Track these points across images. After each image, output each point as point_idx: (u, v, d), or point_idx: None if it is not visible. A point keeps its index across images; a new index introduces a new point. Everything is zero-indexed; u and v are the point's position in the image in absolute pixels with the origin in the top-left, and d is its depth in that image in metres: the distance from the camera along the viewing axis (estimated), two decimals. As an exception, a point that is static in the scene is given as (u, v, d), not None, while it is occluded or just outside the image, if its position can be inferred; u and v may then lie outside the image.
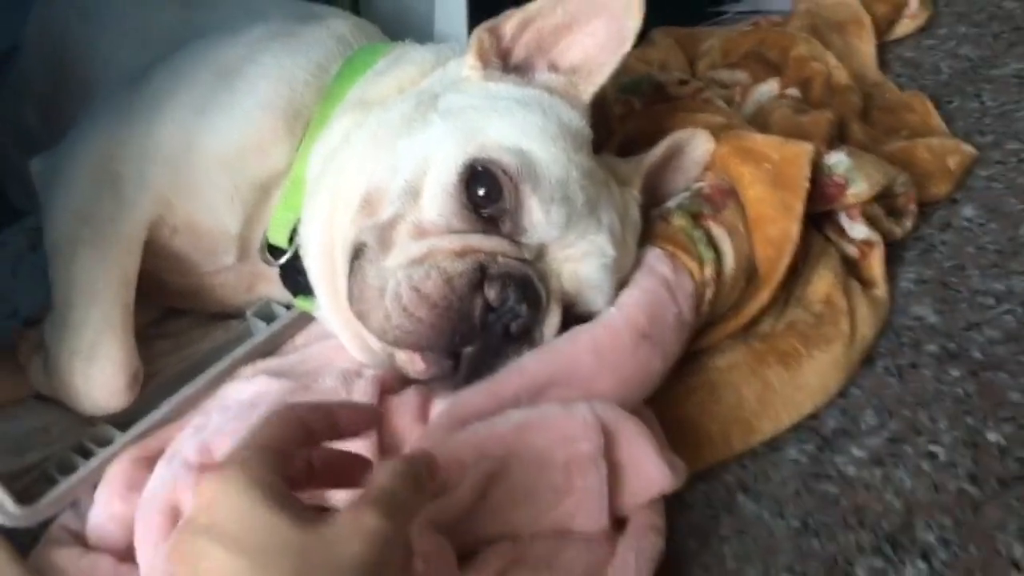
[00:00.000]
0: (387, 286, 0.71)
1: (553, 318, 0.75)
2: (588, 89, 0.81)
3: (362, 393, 0.75)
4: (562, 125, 0.78)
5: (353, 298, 0.73)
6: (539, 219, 0.72)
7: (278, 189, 0.85)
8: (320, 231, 0.79)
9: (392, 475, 0.54)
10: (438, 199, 0.73)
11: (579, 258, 0.75)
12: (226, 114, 0.81)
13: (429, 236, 0.72)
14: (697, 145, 0.91)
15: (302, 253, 0.82)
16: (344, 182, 0.78)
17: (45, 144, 0.89)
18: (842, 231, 0.96)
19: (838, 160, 0.92)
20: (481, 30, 0.81)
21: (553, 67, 0.82)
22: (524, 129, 0.75)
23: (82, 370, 0.80)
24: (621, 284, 0.79)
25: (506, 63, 0.82)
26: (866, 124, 1.13)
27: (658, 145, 0.89)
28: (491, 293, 0.70)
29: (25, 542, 0.75)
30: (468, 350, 0.72)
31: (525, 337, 0.74)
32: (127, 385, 0.81)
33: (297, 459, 0.56)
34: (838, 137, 1.03)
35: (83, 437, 0.81)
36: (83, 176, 0.81)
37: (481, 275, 0.70)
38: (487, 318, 0.71)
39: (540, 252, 0.74)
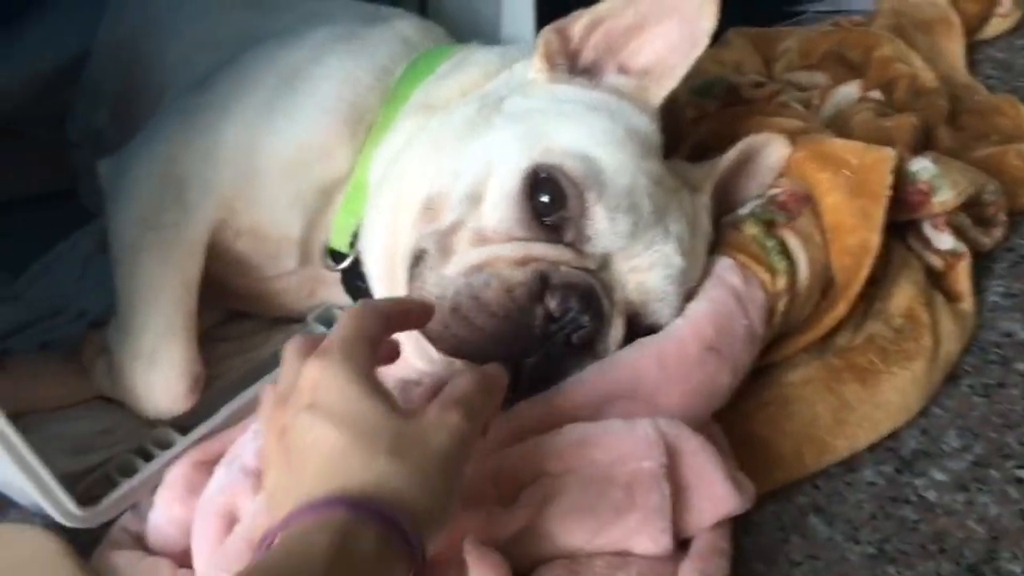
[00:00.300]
0: (447, 293, 0.69)
1: (616, 329, 0.72)
2: (659, 92, 0.79)
3: (419, 399, 0.73)
4: (630, 130, 0.75)
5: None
6: (604, 228, 0.70)
7: (340, 194, 0.84)
8: (381, 237, 0.78)
9: (471, 384, 0.60)
10: (500, 206, 0.71)
11: (645, 268, 0.73)
12: (289, 117, 0.81)
13: (490, 243, 0.71)
14: (772, 150, 0.88)
15: (363, 259, 0.82)
16: (405, 187, 0.77)
17: (115, 146, 0.90)
18: (926, 241, 0.92)
19: (923, 167, 0.88)
20: (548, 31, 0.79)
21: (623, 69, 0.80)
22: (591, 134, 0.73)
23: (144, 375, 0.81)
24: (690, 294, 0.77)
25: (574, 65, 0.80)
26: (954, 129, 1.08)
27: (731, 150, 0.86)
28: (552, 303, 0.68)
29: (86, 543, 0.75)
30: (528, 361, 0.70)
31: (587, 348, 0.71)
32: (188, 390, 0.81)
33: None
34: (923, 142, 0.98)
35: (145, 440, 0.81)
36: (148, 180, 0.82)
37: (543, 284, 0.68)
38: (548, 328, 0.69)
39: (604, 262, 0.72)
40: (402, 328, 0.65)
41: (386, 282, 0.78)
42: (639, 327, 0.74)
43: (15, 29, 1.17)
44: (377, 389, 0.56)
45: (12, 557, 0.71)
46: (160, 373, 0.81)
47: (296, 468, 0.54)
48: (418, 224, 0.74)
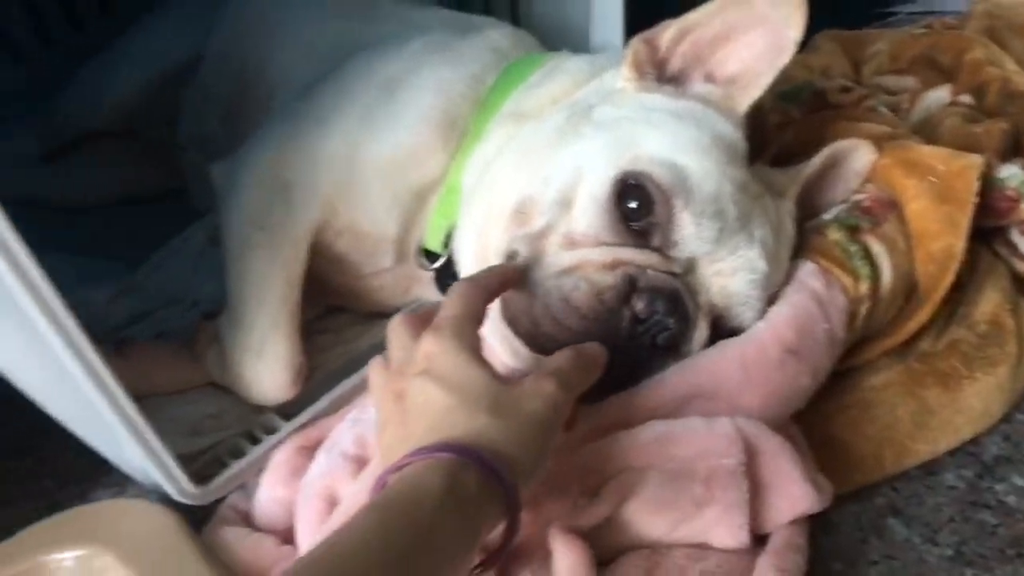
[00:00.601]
0: (537, 294, 0.72)
1: (700, 332, 0.75)
2: (744, 100, 0.80)
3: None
4: (716, 137, 0.77)
5: (503, 304, 0.75)
6: (690, 233, 0.72)
7: (434, 196, 0.88)
8: (474, 239, 0.82)
9: (568, 359, 0.66)
10: (589, 211, 0.74)
11: (729, 273, 0.75)
12: (388, 124, 0.85)
13: (580, 247, 0.73)
14: (858, 156, 0.89)
15: (456, 259, 0.85)
16: (497, 192, 0.80)
17: (226, 149, 0.95)
18: (1013, 247, 0.91)
19: (1011, 174, 0.88)
20: (637, 41, 0.81)
21: (709, 78, 0.82)
22: (677, 142, 0.75)
23: (251, 365, 0.86)
24: (772, 298, 0.78)
25: (661, 74, 0.82)
26: (1047, 134, 1.06)
27: (816, 156, 0.87)
28: (639, 305, 0.71)
29: (197, 519, 0.81)
30: (614, 360, 0.72)
31: (672, 350, 0.74)
32: (291, 380, 0.87)
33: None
34: (1013, 148, 0.97)
35: (252, 425, 0.87)
36: (257, 183, 0.87)
37: (631, 288, 0.71)
38: (635, 330, 0.71)
39: (690, 266, 0.74)
40: (501, 291, 0.71)
41: None
42: (722, 329, 0.76)
43: (132, 34, 1.24)
44: (481, 360, 0.63)
45: (132, 528, 0.77)
46: (266, 364, 0.86)
47: (410, 425, 0.61)
48: (510, 227, 0.77)
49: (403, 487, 0.56)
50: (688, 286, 0.73)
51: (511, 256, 0.76)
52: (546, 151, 0.79)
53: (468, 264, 0.83)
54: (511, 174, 0.80)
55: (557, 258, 0.73)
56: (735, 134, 0.79)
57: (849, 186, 0.89)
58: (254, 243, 0.86)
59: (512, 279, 0.72)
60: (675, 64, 0.82)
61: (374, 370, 0.68)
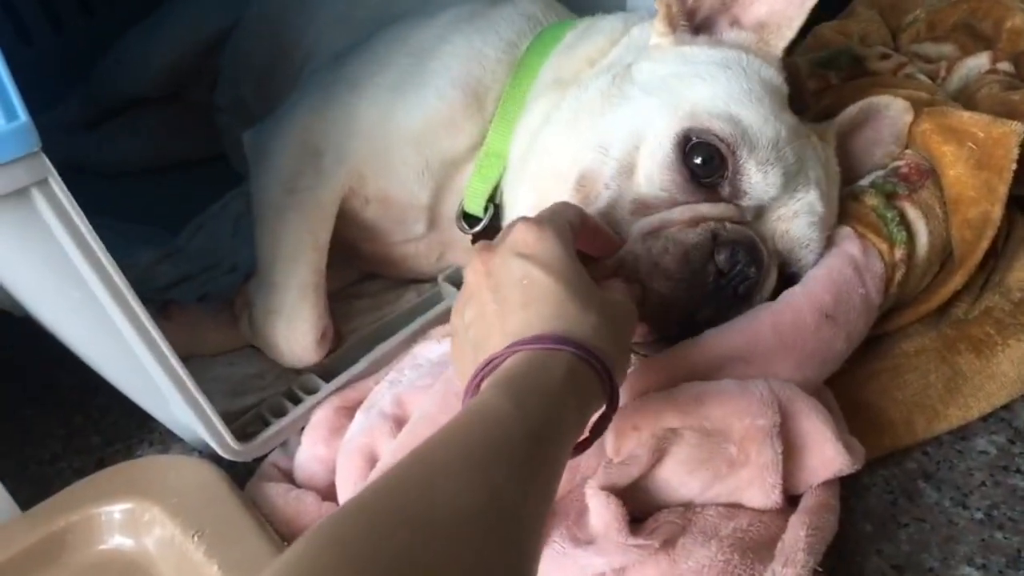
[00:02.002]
0: (625, 260, 0.72)
1: (772, 278, 0.76)
2: (779, 44, 0.80)
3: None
4: (764, 83, 0.78)
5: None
6: (758, 181, 0.73)
7: (468, 164, 0.88)
8: (533, 207, 0.80)
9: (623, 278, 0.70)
10: (657, 175, 0.74)
11: (791, 217, 0.76)
12: (419, 92, 0.86)
13: (653, 210, 0.74)
14: (895, 116, 0.89)
15: (504, 223, 0.86)
16: (546, 164, 0.80)
17: (259, 115, 0.97)
18: (1051, 215, 0.91)
19: (1050, 141, 0.87)
20: None
21: (736, 23, 0.82)
22: (731, 93, 0.75)
23: (277, 327, 0.88)
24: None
25: (691, 24, 0.82)
26: (1086, 101, 1.05)
27: (851, 107, 0.87)
28: (721, 259, 0.71)
29: (240, 475, 0.83)
30: (701, 314, 0.73)
31: (747, 299, 0.75)
32: (316, 342, 0.88)
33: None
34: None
35: (293, 384, 0.89)
36: (288, 150, 0.88)
37: (714, 242, 0.72)
38: (719, 283, 0.72)
39: (758, 213, 0.75)
40: (584, 245, 0.71)
41: None
42: (785, 275, 0.77)
43: (176, 1, 1.26)
44: (580, 263, 0.64)
45: (178, 482, 0.79)
46: (292, 326, 0.87)
47: (505, 302, 0.62)
48: (574, 199, 0.77)
49: (531, 371, 0.57)
50: (758, 234, 0.74)
51: None
52: (594, 118, 0.79)
53: None
54: (560, 144, 0.80)
55: (638, 224, 0.73)
56: (778, 78, 0.80)
57: (888, 150, 0.89)
58: (283, 207, 0.87)
59: (602, 243, 0.73)
60: (703, 13, 0.82)
61: (474, 250, 0.68)
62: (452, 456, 0.49)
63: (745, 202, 0.74)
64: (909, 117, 0.89)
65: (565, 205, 0.70)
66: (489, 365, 0.59)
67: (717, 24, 0.82)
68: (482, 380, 0.59)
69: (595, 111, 0.79)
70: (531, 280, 0.61)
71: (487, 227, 0.88)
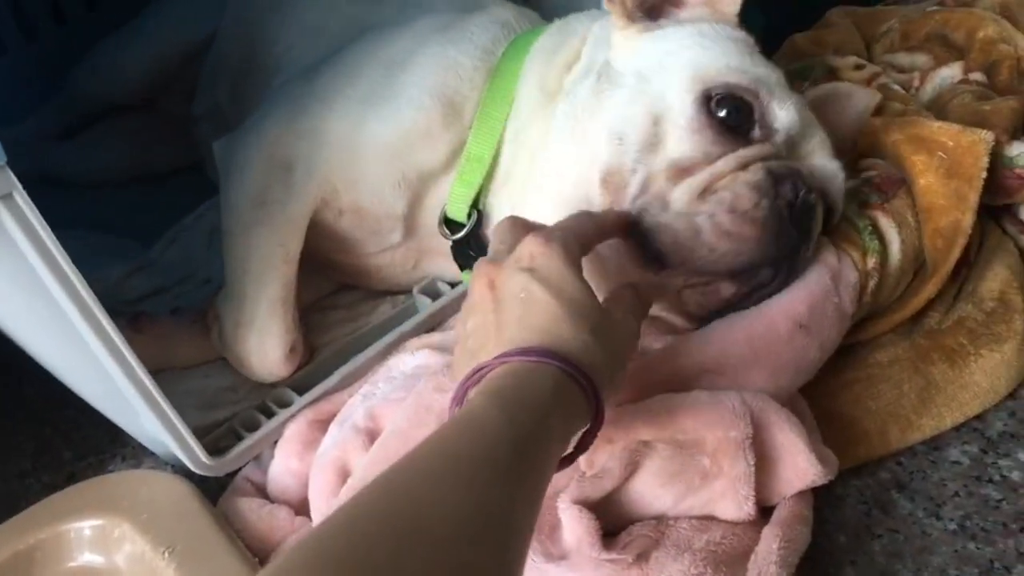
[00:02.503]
0: (698, 223, 0.72)
1: (819, 214, 0.76)
2: (732, 10, 0.82)
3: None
4: (743, 42, 0.80)
5: (669, 251, 0.73)
6: (783, 115, 0.76)
7: (448, 172, 0.88)
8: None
9: (633, 296, 0.70)
10: (688, 139, 0.74)
11: (812, 153, 0.78)
12: (393, 104, 0.85)
13: (692, 171, 0.73)
14: (857, 102, 0.91)
15: (490, 229, 0.85)
16: (570, 180, 0.79)
17: (234, 122, 0.96)
18: (1022, 225, 0.91)
19: (1021, 152, 0.88)
20: None
21: (683, 3, 0.83)
22: (724, 52, 0.77)
23: (244, 340, 0.87)
24: None
25: (643, 11, 0.82)
26: (1058, 111, 1.06)
27: (815, 88, 0.88)
28: (786, 189, 0.72)
29: (213, 490, 0.82)
30: (762, 272, 0.74)
31: (807, 239, 0.76)
32: (285, 355, 0.87)
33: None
34: (1022, 126, 0.97)
35: (266, 398, 0.88)
36: (257, 162, 0.87)
37: (771, 178, 0.72)
38: (794, 216, 0.73)
39: (789, 151, 0.76)
40: (606, 237, 0.73)
41: None
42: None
43: (153, 9, 1.25)
44: (584, 280, 0.64)
45: (149, 498, 0.78)
46: (259, 339, 0.86)
47: (504, 314, 0.63)
48: (605, 200, 0.77)
49: (517, 382, 0.57)
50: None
51: (637, 217, 0.75)
52: (596, 116, 0.78)
53: None
54: (573, 153, 0.79)
55: (685, 187, 0.73)
56: (749, 38, 0.81)
57: (853, 128, 0.90)
58: (252, 220, 0.86)
59: (616, 226, 0.73)
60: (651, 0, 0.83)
61: (478, 262, 0.69)
62: (438, 464, 0.50)
63: (776, 140, 0.76)
64: (873, 102, 0.91)
65: (578, 218, 0.70)
66: (477, 374, 0.60)
67: (665, 7, 0.83)
68: (469, 388, 0.60)
69: (593, 110, 0.79)
70: (529, 294, 0.62)
71: (470, 233, 0.87)
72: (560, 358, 0.59)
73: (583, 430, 0.61)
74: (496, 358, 0.59)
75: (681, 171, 0.74)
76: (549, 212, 0.77)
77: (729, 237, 0.71)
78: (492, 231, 0.72)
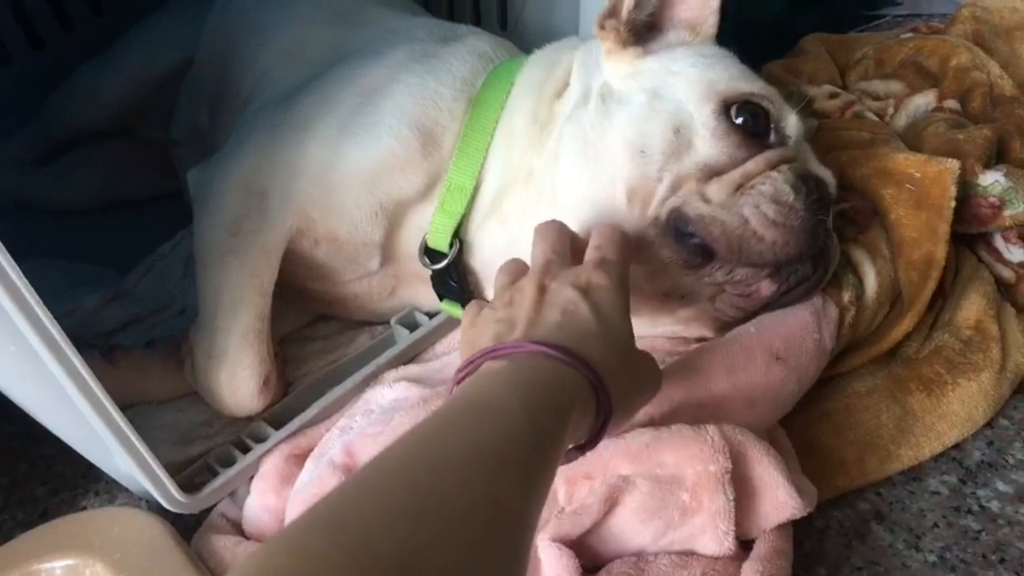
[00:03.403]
0: (744, 213, 0.73)
1: (831, 212, 0.79)
2: (711, 32, 0.84)
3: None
4: (737, 59, 0.82)
5: (718, 242, 0.73)
6: (794, 122, 0.80)
7: (426, 202, 0.87)
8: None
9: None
10: (715, 145, 0.76)
11: (807, 161, 0.81)
12: (371, 132, 0.84)
13: (722, 171, 0.75)
14: None
15: (475, 259, 0.87)
16: (587, 201, 0.79)
17: (213, 147, 0.94)
18: (997, 253, 0.92)
19: (994, 180, 0.89)
20: (606, 21, 0.81)
21: (662, 28, 0.84)
22: (725, 68, 0.80)
23: (215, 373, 0.85)
24: None
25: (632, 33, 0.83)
26: (1031, 138, 1.07)
27: None
28: (810, 192, 0.75)
29: (188, 525, 0.81)
30: (802, 266, 0.76)
31: (830, 235, 0.79)
32: (258, 389, 0.86)
33: None
34: (997, 154, 0.98)
35: (241, 432, 0.87)
36: (232, 191, 0.86)
37: (800, 178, 0.75)
38: (821, 214, 0.75)
39: (797, 157, 0.79)
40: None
41: None
42: None
43: (130, 34, 1.24)
44: (630, 320, 0.67)
45: (122, 536, 0.77)
46: (233, 373, 0.85)
47: (545, 314, 0.64)
48: (633, 215, 0.76)
49: (544, 379, 0.58)
50: None
51: (675, 216, 0.75)
52: (610, 136, 0.78)
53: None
54: (590, 174, 0.79)
55: (719, 184, 0.74)
56: (733, 56, 0.83)
57: None
58: (225, 250, 0.85)
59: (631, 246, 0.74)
60: (639, 24, 0.83)
61: (531, 271, 0.70)
62: (460, 450, 0.49)
63: (789, 145, 0.79)
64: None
65: (623, 239, 0.71)
66: (502, 350, 0.60)
67: (652, 31, 0.84)
68: (487, 359, 0.60)
69: (605, 129, 0.79)
70: (576, 309, 0.64)
71: (451, 263, 0.87)
72: (592, 370, 0.59)
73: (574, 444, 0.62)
74: (530, 341, 0.60)
75: (712, 172, 0.75)
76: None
77: (776, 227, 0.72)
78: (535, 234, 0.72)
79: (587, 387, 0.59)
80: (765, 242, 0.73)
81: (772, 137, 0.78)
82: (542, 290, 0.66)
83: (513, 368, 0.58)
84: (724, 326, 0.80)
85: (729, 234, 0.73)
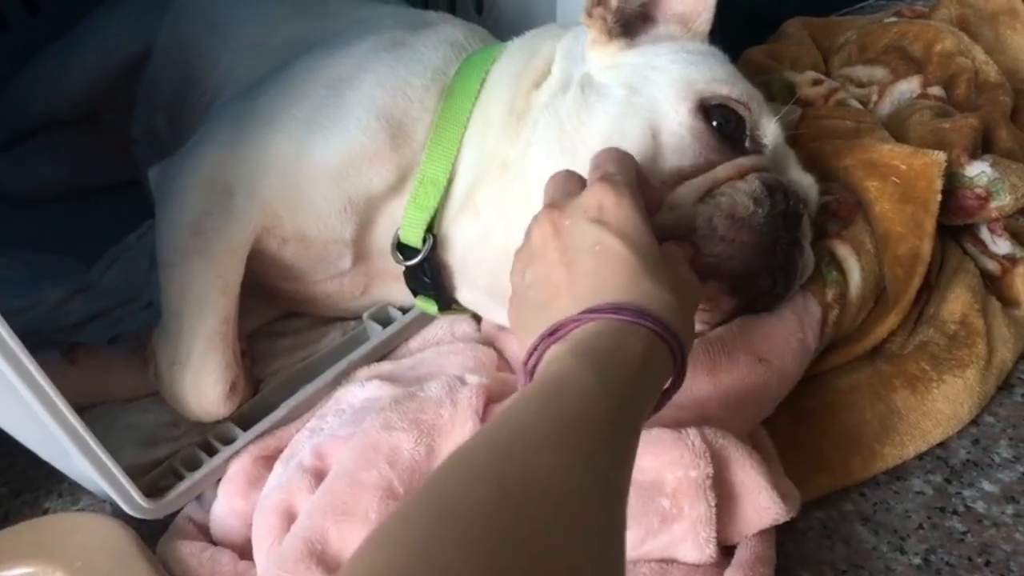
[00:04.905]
0: (696, 225, 0.70)
1: (808, 223, 0.77)
2: (704, 28, 0.82)
3: (467, 402, 0.75)
4: (723, 58, 0.80)
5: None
6: (772, 128, 0.77)
7: (397, 195, 0.85)
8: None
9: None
10: (689, 146, 0.74)
11: (788, 168, 0.79)
12: (339, 125, 0.81)
13: (692, 176, 0.73)
14: None
15: (450, 253, 0.84)
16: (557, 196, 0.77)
17: (172, 146, 0.91)
18: (983, 245, 0.91)
19: (980, 171, 0.87)
20: (594, 9, 0.79)
21: (655, 21, 0.82)
22: (708, 67, 0.77)
23: (179, 379, 0.82)
24: None
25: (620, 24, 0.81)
26: (1017, 125, 1.05)
27: None
28: (778, 201, 0.72)
29: (154, 529, 0.79)
30: (762, 280, 0.73)
31: (800, 248, 0.76)
32: (225, 394, 0.82)
33: None
34: (982, 144, 0.96)
35: (208, 434, 0.84)
36: (195, 188, 0.82)
37: (765, 190, 0.72)
38: (787, 226, 0.72)
39: (773, 165, 0.77)
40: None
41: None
42: None
43: (90, 21, 1.20)
44: (653, 233, 0.62)
45: (84, 543, 0.74)
46: (198, 378, 0.81)
47: (577, 266, 0.60)
48: None
49: (609, 343, 0.55)
50: None
51: None
52: (586, 127, 0.76)
53: (485, 257, 0.82)
54: (556, 165, 0.74)
55: (685, 187, 0.72)
56: (724, 55, 0.81)
57: None
58: (189, 249, 0.81)
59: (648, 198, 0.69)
60: (628, 17, 0.81)
61: (540, 211, 0.66)
62: (543, 429, 0.49)
63: (765, 153, 0.76)
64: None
65: (627, 156, 0.68)
66: (562, 330, 0.58)
67: (640, 24, 0.81)
68: (550, 345, 0.58)
69: (582, 121, 0.76)
70: (604, 247, 0.60)
71: (425, 258, 0.84)
72: (652, 318, 0.56)
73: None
74: (583, 313, 0.57)
75: (683, 175, 0.73)
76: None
77: (723, 242, 0.70)
78: (546, 183, 0.69)
79: (649, 334, 0.56)
80: (711, 256, 0.70)
81: (748, 143, 0.76)
82: (556, 234, 0.62)
83: (575, 342, 0.56)
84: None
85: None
